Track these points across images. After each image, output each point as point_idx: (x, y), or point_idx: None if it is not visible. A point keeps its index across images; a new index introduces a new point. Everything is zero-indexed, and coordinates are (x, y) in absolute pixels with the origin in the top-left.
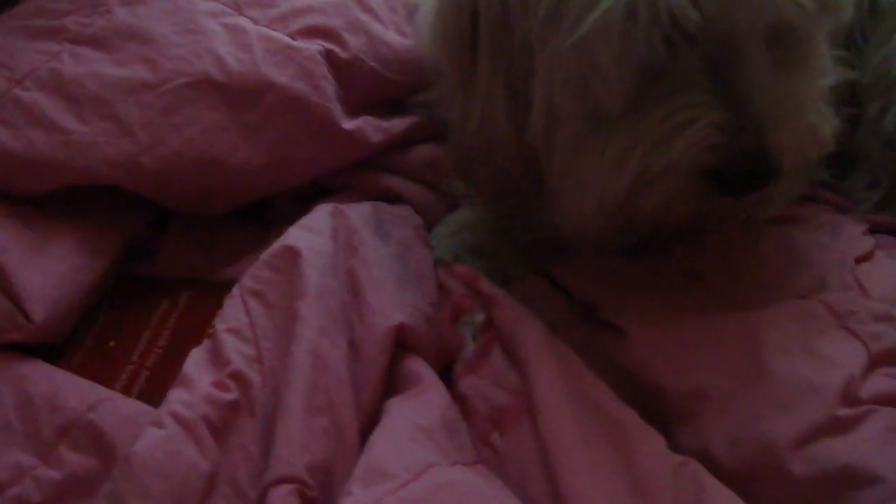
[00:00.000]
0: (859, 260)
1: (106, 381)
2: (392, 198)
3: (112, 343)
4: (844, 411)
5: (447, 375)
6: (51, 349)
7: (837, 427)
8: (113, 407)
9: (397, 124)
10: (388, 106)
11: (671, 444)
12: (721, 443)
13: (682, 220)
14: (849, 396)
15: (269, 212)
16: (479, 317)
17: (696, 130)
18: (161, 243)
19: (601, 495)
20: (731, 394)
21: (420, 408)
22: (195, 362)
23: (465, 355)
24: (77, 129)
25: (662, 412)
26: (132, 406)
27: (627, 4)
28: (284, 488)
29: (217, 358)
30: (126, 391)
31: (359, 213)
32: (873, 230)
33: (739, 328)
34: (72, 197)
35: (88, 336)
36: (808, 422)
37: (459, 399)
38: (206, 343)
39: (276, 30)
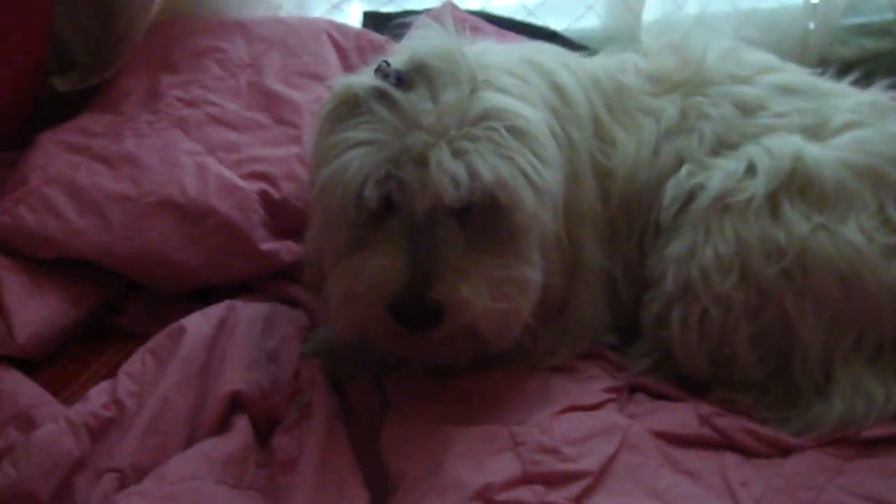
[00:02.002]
0: (562, 411)
1: (59, 391)
2: (293, 302)
3: (70, 368)
4: None
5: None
6: (31, 364)
7: None
8: (48, 409)
9: None
10: None
11: None
12: None
13: (389, 342)
14: (485, 497)
15: (212, 296)
16: (307, 398)
17: (381, 273)
18: (129, 304)
19: None
20: (415, 479)
21: (219, 443)
22: (98, 389)
23: (286, 422)
24: (76, 221)
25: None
26: (60, 409)
27: (335, 180)
28: (112, 475)
29: (112, 389)
30: (66, 401)
31: (255, 309)
32: (636, 388)
33: (440, 437)
34: (67, 263)
35: (59, 359)
36: None
37: (269, 448)
38: (113, 379)
39: (231, 170)
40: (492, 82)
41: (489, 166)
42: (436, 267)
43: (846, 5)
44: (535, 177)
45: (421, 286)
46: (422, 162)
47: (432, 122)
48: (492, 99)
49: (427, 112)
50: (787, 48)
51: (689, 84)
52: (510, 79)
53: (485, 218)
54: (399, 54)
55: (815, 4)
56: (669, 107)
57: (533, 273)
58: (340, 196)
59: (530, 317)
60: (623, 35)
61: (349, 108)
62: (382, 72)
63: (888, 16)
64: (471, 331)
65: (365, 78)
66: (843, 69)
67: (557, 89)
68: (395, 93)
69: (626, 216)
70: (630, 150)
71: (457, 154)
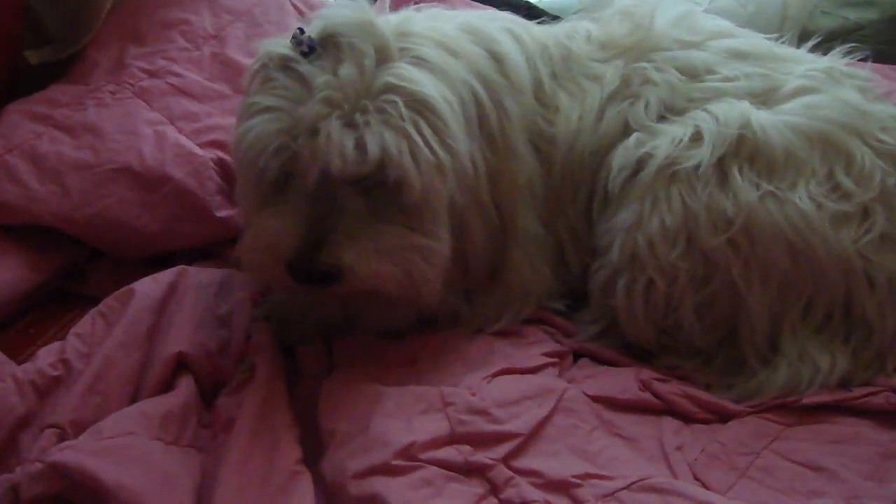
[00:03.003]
0: (497, 374)
1: (17, 353)
2: None
3: (31, 330)
4: (399, 462)
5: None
6: None
7: (388, 471)
8: (1, 367)
9: None
10: None
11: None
12: (329, 468)
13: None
14: (408, 454)
15: (171, 262)
16: (253, 360)
17: (278, 234)
18: (91, 271)
19: (238, 481)
20: (344, 437)
21: (159, 402)
22: (47, 349)
23: (231, 384)
24: (36, 188)
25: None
26: (13, 368)
27: (239, 145)
28: (51, 430)
29: (61, 349)
30: (24, 363)
31: (208, 274)
32: (581, 354)
33: (372, 397)
34: (31, 230)
35: (20, 323)
36: (370, 463)
37: (214, 409)
38: (63, 340)
39: (190, 139)
40: (409, 52)
41: (378, 140)
42: (328, 232)
43: None
44: (430, 152)
45: (312, 250)
46: (314, 133)
47: (328, 93)
48: (397, 72)
49: (325, 83)
50: (766, 19)
51: (635, 49)
52: (433, 49)
53: (383, 188)
54: (315, 22)
55: None
56: (611, 71)
57: (435, 243)
58: (242, 161)
59: (450, 283)
60: (597, 7)
61: (265, 73)
62: (296, 39)
63: None
64: (377, 293)
65: (279, 45)
66: (826, 40)
67: (496, 58)
68: (298, 62)
69: (570, 182)
70: (573, 115)
71: (348, 126)
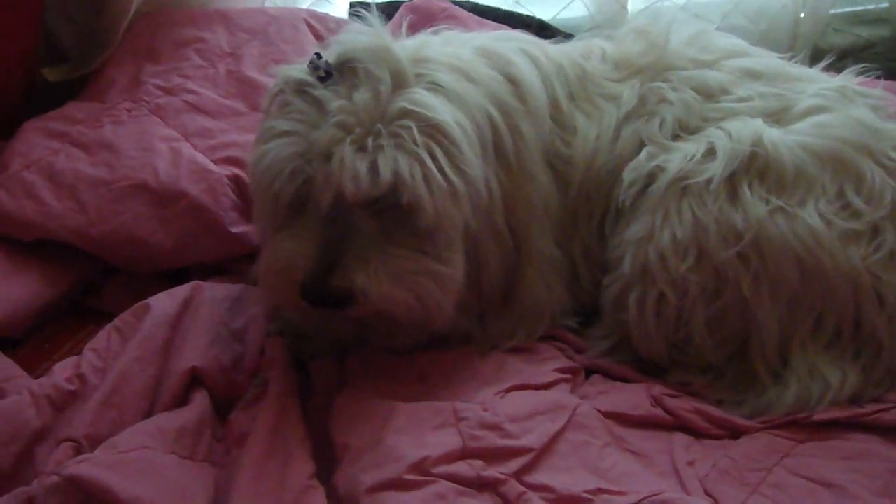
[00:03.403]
0: (510, 389)
1: (33, 367)
2: None
3: (47, 345)
4: (411, 476)
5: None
6: (10, 341)
7: (401, 486)
8: (18, 382)
9: None
10: None
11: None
12: (342, 481)
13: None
14: (421, 469)
15: (186, 278)
16: (266, 375)
17: (292, 257)
18: (106, 286)
19: (252, 495)
20: (357, 452)
21: (173, 416)
22: (63, 364)
23: (245, 399)
24: (53, 204)
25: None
26: (27, 382)
27: (256, 168)
28: (67, 444)
29: (77, 364)
30: (40, 377)
31: (222, 290)
32: (593, 370)
33: (385, 412)
34: (47, 245)
35: (36, 338)
36: (383, 477)
37: (227, 423)
38: (79, 355)
39: (205, 155)
40: (425, 77)
41: (390, 164)
42: (341, 256)
43: None
44: (442, 178)
45: (325, 273)
46: (327, 157)
47: (343, 118)
48: (413, 97)
49: (340, 108)
50: (778, 37)
51: (651, 69)
52: (448, 74)
53: (397, 213)
54: (332, 48)
55: None
56: (628, 91)
57: (447, 269)
58: (259, 184)
59: (463, 307)
60: (609, 24)
61: (283, 97)
62: (313, 64)
63: (883, 3)
64: (386, 316)
65: (297, 69)
66: (839, 57)
67: (512, 81)
68: (314, 87)
69: (585, 201)
70: (591, 135)
71: (361, 151)
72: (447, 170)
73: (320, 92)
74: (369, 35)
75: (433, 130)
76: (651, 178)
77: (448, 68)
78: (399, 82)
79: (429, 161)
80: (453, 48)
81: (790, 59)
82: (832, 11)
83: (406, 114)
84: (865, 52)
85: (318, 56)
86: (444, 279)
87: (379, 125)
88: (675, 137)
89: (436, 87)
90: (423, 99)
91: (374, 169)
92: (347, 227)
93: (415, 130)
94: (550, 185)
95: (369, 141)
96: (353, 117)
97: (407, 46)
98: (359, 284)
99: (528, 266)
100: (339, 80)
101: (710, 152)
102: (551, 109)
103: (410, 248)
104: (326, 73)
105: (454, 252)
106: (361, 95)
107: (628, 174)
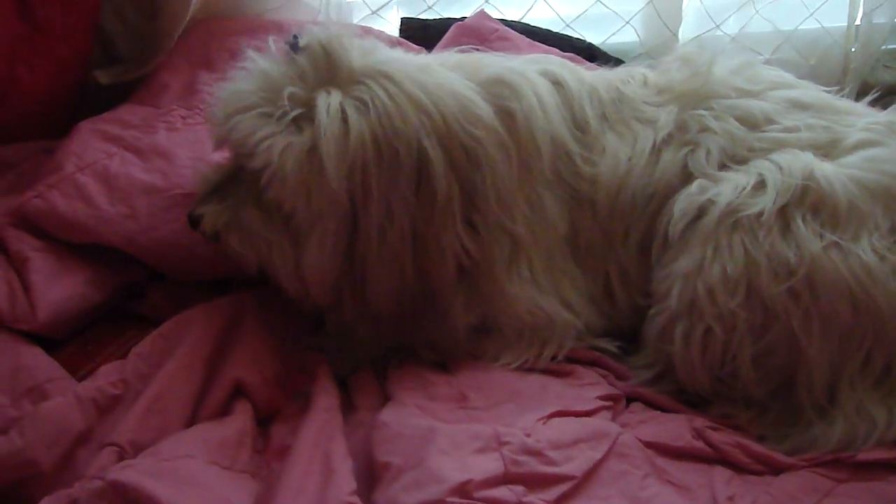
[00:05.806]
0: (552, 415)
1: (76, 368)
2: None
3: (90, 347)
4: (453, 499)
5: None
6: (54, 342)
7: None
8: (62, 384)
9: None
10: None
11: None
12: (382, 500)
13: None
14: (463, 492)
15: (229, 287)
16: (308, 390)
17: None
18: (150, 292)
19: None
20: (398, 472)
21: (217, 426)
22: (108, 367)
23: (285, 412)
24: (105, 209)
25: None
26: (72, 384)
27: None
28: (110, 449)
29: (122, 368)
30: (82, 379)
31: (267, 301)
32: (633, 398)
33: (427, 433)
34: (94, 248)
35: (79, 340)
36: (424, 499)
37: (267, 436)
38: (124, 359)
39: None
40: (355, 91)
41: (261, 133)
42: (217, 199)
43: (890, 29)
44: (296, 167)
45: (198, 204)
46: (234, 114)
47: (261, 84)
48: (322, 97)
49: (262, 74)
50: (828, 71)
51: (692, 95)
52: (389, 100)
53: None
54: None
55: (857, 27)
56: (664, 115)
57: (293, 250)
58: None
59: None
60: (659, 51)
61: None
62: (290, 40)
63: None
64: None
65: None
66: (885, 94)
67: (508, 114)
68: (273, 56)
69: (619, 222)
70: (622, 156)
71: (262, 118)
72: (305, 162)
73: (263, 62)
74: (333, 31)
75: (319, 130)
76: (701, 210)
77: (396, 93)
78: (328, 79)
79: (296, 147)
80: (431, 77)
81: (837, 92)
82: (884, 48)
83: (306, 104)
84: None
85: (295, 37)
86: (287, 257)
87: (282, 102)
88: (722, 167)
89: (359, 101)
90: (331, 101)
91: (249, 133)
92: (238, 177)
93: (302, 120)
94: (557, 207)
95: (263, 110)
96: (267, 89)
97: (372, 56)
98: (207, 219)
99: (507, 283)
100: (297, 59)
101: (761, 185)
102: (574, 130)
103: (274, 218)
104: (292, 48)
105: (312, 242)
106: (284, 73)
107: (679, 206)
